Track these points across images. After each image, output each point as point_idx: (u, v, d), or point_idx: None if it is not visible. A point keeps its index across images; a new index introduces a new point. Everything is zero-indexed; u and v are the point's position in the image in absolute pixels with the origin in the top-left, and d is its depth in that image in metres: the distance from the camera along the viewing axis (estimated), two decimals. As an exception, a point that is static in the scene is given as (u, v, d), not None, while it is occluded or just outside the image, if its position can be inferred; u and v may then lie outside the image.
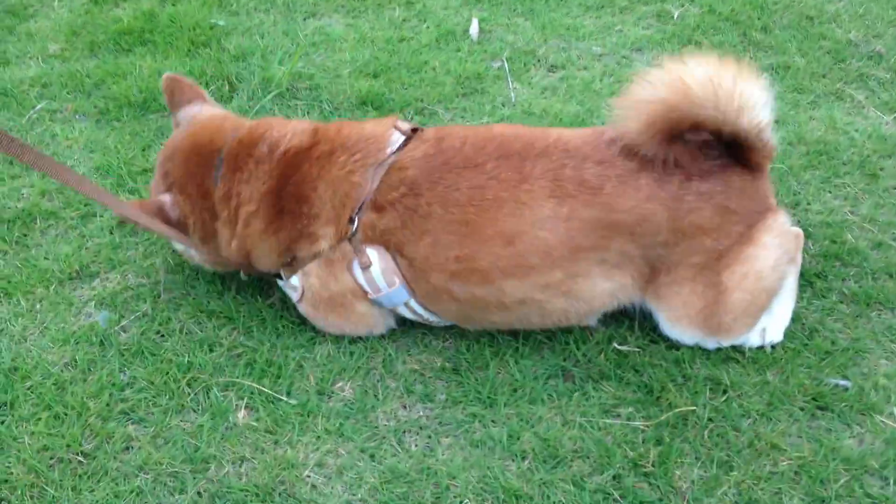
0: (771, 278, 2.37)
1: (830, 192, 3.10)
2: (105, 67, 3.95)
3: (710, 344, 2.48)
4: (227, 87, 3.75)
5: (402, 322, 2.63)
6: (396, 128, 2.44)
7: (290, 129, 2.48)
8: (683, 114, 2.17)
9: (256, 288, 2.78)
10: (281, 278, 2.58)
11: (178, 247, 2.72)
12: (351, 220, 2.35)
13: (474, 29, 4.15)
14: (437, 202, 2.30)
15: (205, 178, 2.50)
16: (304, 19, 4.34)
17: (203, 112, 2.71)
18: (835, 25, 4.08)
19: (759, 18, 4.14)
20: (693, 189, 2.27)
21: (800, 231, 2.55)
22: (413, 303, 2.46)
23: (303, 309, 2.58)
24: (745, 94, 2.14)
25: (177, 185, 2.54)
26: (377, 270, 2.38)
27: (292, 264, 2.49)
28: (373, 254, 2.37)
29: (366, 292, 2.44)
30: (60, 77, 3.91)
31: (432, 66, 3.88)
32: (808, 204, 3.03)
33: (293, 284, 2.52)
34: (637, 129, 2.23)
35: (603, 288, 2.37)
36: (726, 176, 2.29)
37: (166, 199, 2.54)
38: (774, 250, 2.34)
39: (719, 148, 2.31)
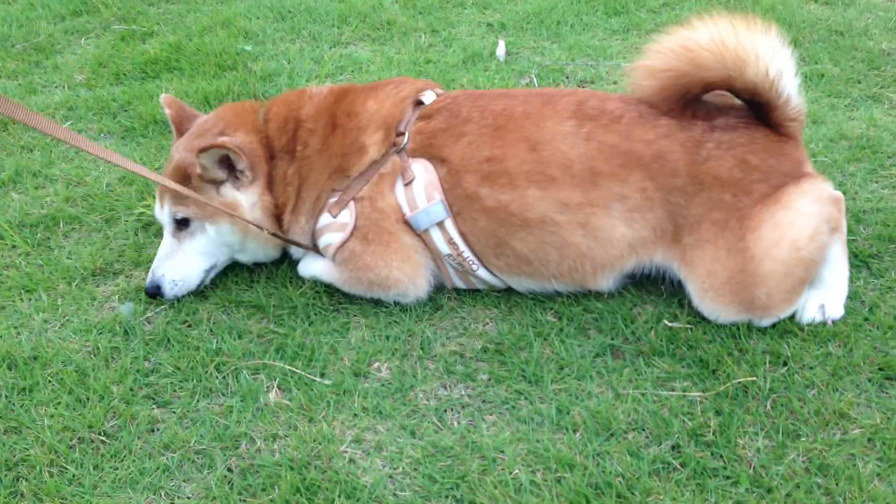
0: (809, 248, 2.23)
1: (877, 181, 2.99)
2: (131, 92, 3.95)
3: (753, 322, 2.33)
4: (254, 104, 3.72)
5: (435, 307, 2.51)
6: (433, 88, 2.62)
7: (329, 85, 2.71)
8: (693, 78, 2.23)
9: (287, 276, 2.68)
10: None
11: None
12: (400, 133, 2.45)
13: (501, 50, 4.14)
14: (476, 111, 2.44)
15: (253, 119, 2.63)
16: (331, 47, 4.35)
17: None
18: (866, 38, 4.05)
19: (787, 33, 4.09)
20: (715, 138, 2.26)
21: (840, 194, 2.40)
22: (448, 223, 2.41)
23: (345, 254, 2.49)
24: (747, 47, 2.16)
25: (230, 126, 2.60)
26: (420, 184, 2.40)
27: (343, 195, 2.47)
28: (417, 167, 2.42)
29: (404, 214, 2.44)
30: (86, 101, 3.91)
31: (460, 83, 3.85)
32: (856, 193, 2.93)
33: (342, 222, 2.46)
34: (652, 93, 2.32)
35: (622, 234, 2.32)
36: (751, 132, 2.28)
37: (238, 139, 2.56)
38: (812, 218, 2.22)
39: (747, 110, 2.32)
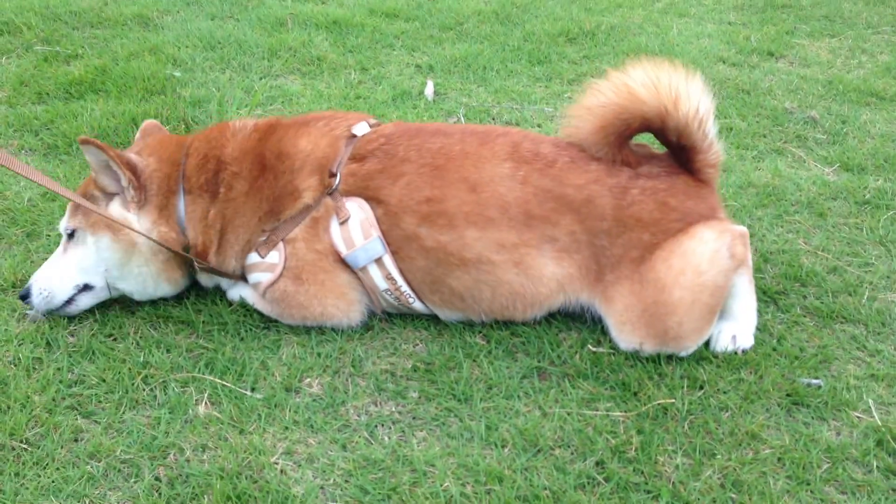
0: (710, 272, 2.34)
1: (783, 226, 3.19)
2: (54, 111, 3.89)
3: (667, 352, 2.44)
4: (183, 128, 3.72)
5: (366, 327, 2.55)
6: (366, 120, 2.62)
7: (251, 120, 2.66)
8: (631, 112, 2.35)
9: (216, 295, 2.67)
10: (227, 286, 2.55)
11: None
12: (332, 174, 2.44)
13: (430, 90, 4.26)
14: (413, 150, 2.46)
15: (174, 151, 2.56)
16: (261, 78, 4.39)
17: None
18: (770, 97, 4.33)
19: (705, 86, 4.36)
20: (639, 184, 2.41)
21: (745, 229, 2.53)
22: (386, 259, 2.44)
23: (276, 294, 2.49)
24: (680, 86, 2.34)
25: (147, 150, 2.57)
26: (356, 222, 2.41)
27: (272, 236, 2.46)
28: (352, 206, 2.42)
29: (340, 253, 2.44)
30: (6, 118, 3.84)
31: (390, 118, 3.93)
32: (764, 235, 3.12)
33: (270, 262, 2.45)
34: (590, 132, 2.42)
35: (552, 272, 2.41)
36: (672, 178, 2.44)
37: (135, 156, 2.54)
38: (712, 244, 2.35)
39: (668, 159, 2.48)
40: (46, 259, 2.77)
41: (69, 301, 2.52)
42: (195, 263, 2.53)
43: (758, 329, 2.60)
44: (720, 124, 3.90)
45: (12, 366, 2.36)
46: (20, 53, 4.64)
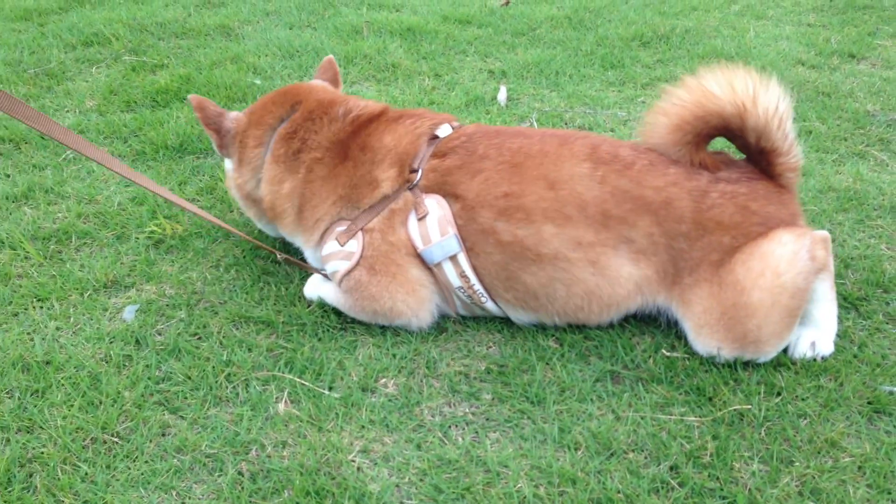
0: (789, 273, 2.30)
1: (864, 231, 3.12)
2: (142, 119, 4.04)
3: (746, 358, 2.41)
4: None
5: (440, 329, 2.59)
6: (449, 122, 2.70)
7: (365, 103, 2.75)
8: (708, 110, 2.35)
9: (296, 295, 2.75)
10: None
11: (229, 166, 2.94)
12: (414, 170, 2.52)
13: (502, 95, 4.29)
14: (493, 149, 2.52)
15: (275, 114, 2.77)
16: (337, 85, 4.48)
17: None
18: (851, 99, 4.23)
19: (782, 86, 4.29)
20: (719, 188, 2.39)
21: (826, 234, 2.49)
22: (461, 257, 2.48)
23: (351, 283, 2.56)
24: (756, 85, 2.33)
25: (248, 110, 2.83)
26: (433, 219, 2.48)
27: (352, 225, 2.54)
28: (431, 202, 2.49)
29: (417, 248, 2.51)
30: (97, 126, 4.00)
31: (463, 123, 3.97)
32: (845, 241, 3.05)
33: (349, 251, 2.52)
34: (667, 131, 2.43)
35: (629, 273, 2.41)
36: (752, 183, 2.42)
37: (232, 113, 2.87)
38: (791, 245, 2.32)
39: (747, 165, 2.48)
40: (138, 261, 2.90)
41: None
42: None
43: (838, 335, 2.55)
44: (799, 128, 3.85)
45: (104, 363, 2.47)
46: (109, 63, 4.83)
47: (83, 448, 2.16)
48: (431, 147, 2.58)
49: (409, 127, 2.63)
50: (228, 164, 2.90)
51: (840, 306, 2.69)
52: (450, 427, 2.26)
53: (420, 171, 2.53)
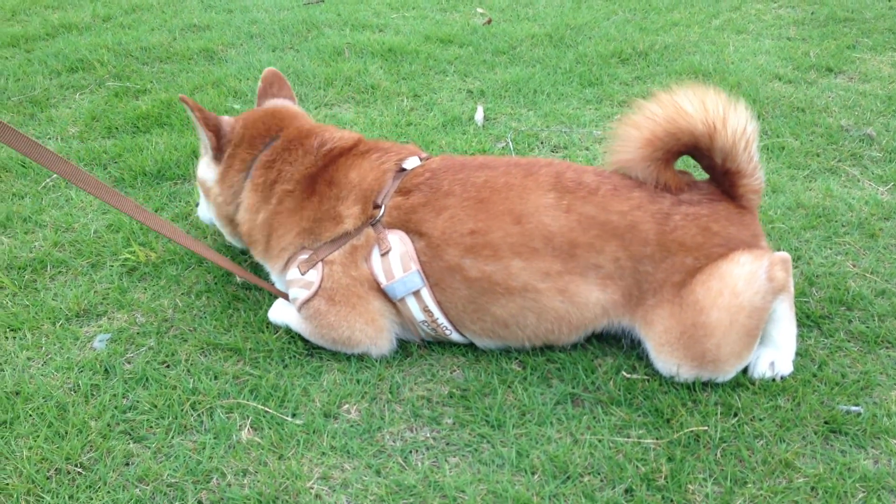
0: (746, 293, 2.34)
1: (831, 248, 3.15)
2: (122, 145, 4.09)
3: (705, 377, 2.44)
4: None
5: (405, 353, 2.63)
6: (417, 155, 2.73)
7: (340, 135, 2.80)
8: (679, 126, 2.38)
9: (264, 321, 2.78)
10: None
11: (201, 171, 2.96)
12: (377, 206, 2.55)
13: (479, 115, 4.33)
14: (458, 184, 2.54)
15: (261, 137, 2.80)
16: (316, 108, 4.53)
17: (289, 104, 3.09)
18: (826, 114, 4.26)
19: (752, 108, 4.31)
20: (682, 210, 2.43)
21: (786, 255, 2.52)
22: (424, 292, 2.49)
23: (310, 311, 2.59)
24: (727, 106, 2.38)
25: (241, 122, 2.83)
26: (396, 255, 2.50)
27: (313, 255, 2.58)
28: (393, 238, 2.51)
29: (380, 283, 2.52)
30: (78, 153, 4.05)
31: (439, 144, 4.02)
32: (811, 258, 3.08)
33: (308, 280, 2.55)
34: (635, 149, 2.46)
35: (597, 298, 2.44)
36: (714, 204, 2.46)
37: (224, 117, 2.88)
38: (748, 266, 2.35)
39: (710, 186, 2.51)
40: (111, 289, 2.94)
41: None
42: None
43: (799, 354, 2.58)
44: (772, 143, 3.89)
45: (72, 392, 2.51)
46: (93, 89, 4.89)
47: (47, 479, 2.19)
48: (397, 181, 2.60)
49: (374, 162, 2.66)
50: (210, 172, 2.88)
51: (802, 324, 2.72)
52: (410, 452, 2.29)
53: (383, 208, 2.55)
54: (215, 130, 2.81)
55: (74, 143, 4.18)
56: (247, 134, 2.81)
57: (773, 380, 2.48)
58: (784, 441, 2.28)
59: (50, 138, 4.27)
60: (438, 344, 2.69)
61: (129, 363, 2.64)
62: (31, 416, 2.40)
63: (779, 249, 3.08)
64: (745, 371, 2.50)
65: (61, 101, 4.74)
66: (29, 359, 2.66)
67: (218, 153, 2.83)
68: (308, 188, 2.66)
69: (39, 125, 4.43)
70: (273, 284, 2.84)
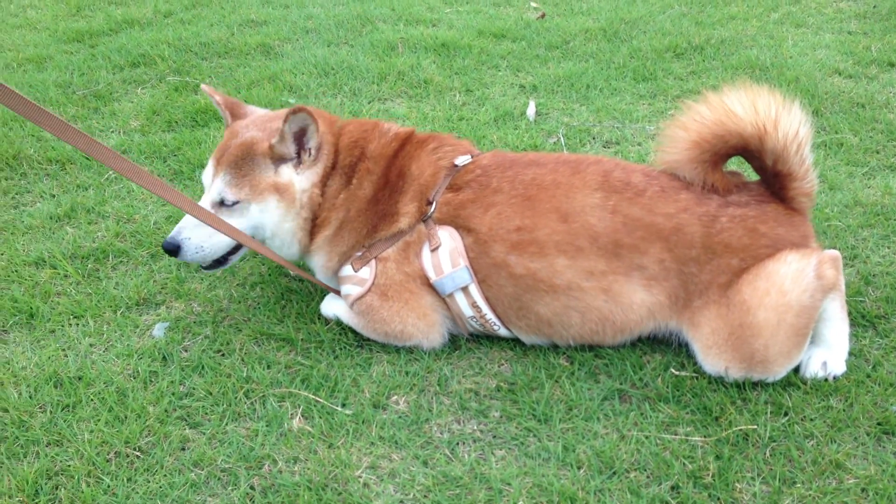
0: (794, 292, 2.31)
1: (889, 247, 3.09)
2: (181, 138, 4.19)
3: (755, 378, 2.42)
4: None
5: (454, 346, 2.66)
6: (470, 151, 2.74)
7: (396, 125, 2.84)
8: (728, 129, 2.37)
9: (316, 313, 2.84)
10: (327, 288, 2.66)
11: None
12: (429, 202, 2.58)
13: (531, 110, 4.34)
14: (506, 181, 2.55)
15: (332, 121, 2.77)
16: (369, 102, 4.58)
17: None
18: (886, 110, 4.17)
19: (809, 104, 4.25)
20: (728, 212, 2.41)
21: (836, 253, 2.47)
22: (472, 288, 2.53)
23: (362, 307, 2.63)
24: (779, 108, 2.35)
25: (315, 114, 2.64)
26: (445, 251, 2.53)
27: (367, 252, 2.62)
28: (443, 234, 2.55)
29: (429, 278, 2.55)
30: (139, 146, 4.16)
31: (490, 139, 4.04)
32: (867, 257, 3.03)
33: (361, 277, 2.60)
34: (685, 148, 2.45)
35: (642, 299, 2.44)
36: (762, 206, 2.44)
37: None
38: (795, 264, 2.33)
39: (760, 187, 2.49)
40: (169, 279, 3.02)
41: (221, 260, 2.73)
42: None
43: (853, 355, 2.55)
44: (831, 140, 3.83)
45: (132, 378, 2.59)
46: (154, 84, 5.01)
47: (107, 462, 2.27)
48: (449, 178, 2.62)
49: (432, 156, 2.68)
50: (305, 177, 2.68)
51: (857, 324, 2.68)
52: (457, 444, 2.32)
53: (434, 204, 2.58)
54: (322, 135, 2.68)
55: (136, 137, 4.29)
56: (330, 129, 2.74)
57: (826, 380, 2.45)
58: (835, 441, 2.26)
59: (113, 132, 4.39)
60: (486, 338, 2.71)
61: (185, 351, 2.72)
62: (92, 400, 2.49)
63: (835, 248, 3.04)
64: (796, 370, 2.47)
65: (123, 96, 4.87)
66: (91, 345, 2.75)
67: (318, 157, 2.70)
68: (384, 173, 2.66)
69: (103, 118, 4.55)
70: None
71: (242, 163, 2.61)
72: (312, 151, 2.66)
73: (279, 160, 2.64)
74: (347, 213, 2.68)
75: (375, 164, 2.68)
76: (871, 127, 4.01)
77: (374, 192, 2.66)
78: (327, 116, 2.80)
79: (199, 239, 2.63)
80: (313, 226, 2.73)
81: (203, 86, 2.89)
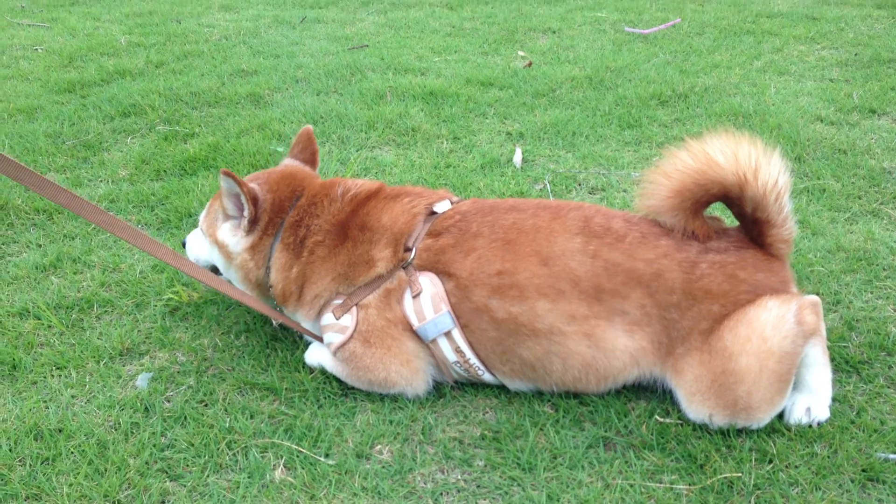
0: (775, 338, 2.32)
1: (871, 292, 3.11)
2: (169, 187, 4.21)
3: (739, 425, 2.42)
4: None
5: (438, 394, 2.65)
6: (448, 198, 2.77)
7: (362, 182, 2.84)
8: (709, 178, 2.39)
9: (301, 361, 2.83)
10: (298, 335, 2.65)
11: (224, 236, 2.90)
12: (408, 249, 2.59)
13: (518, 157, 4.38)
14: (486, 226, 2.57)
15: (287, 199, 2.82)
16: (357, 150, 4.62)
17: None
18: (868, 156, 4.22)
19: (792, 150, 4.30)
20: (708, 258, 2.43)
21: (816, 298, 2.50)
22: (455, 333, 2.52)
23: (346, 354, 2.63)
24: (759, 157, 2.37)
25: (266, 185, 2.83)
26: (427, 296, 2.53)
27: (348, 300, 2.62)
28: (424, 280, 2.55)
29: (411, 324, 2.55)
30: (127, 195, 4.17)
31: (477, 186, 4.07)
32: (850, 302, 3.04)
33: (343, 325, 2.59)
34: (666, 196, 2.46)
35: (625, 344, 2.44)
36: (741, 252, 2.46)
37: (251, 184, 2.81)
38: (776, 310, 2.33)
39: (739, 233, 2.51)
40: (154, 328, 3.02)
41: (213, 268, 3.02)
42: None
43: (836, 400, 2.54)
44: (813, 185, 3.86)
45: (113, 430, 2.57)
46: (144, 133, 5.05)
47: (86, 515, 2.25)
48: (428, 224, 2.64)
49: (406, 206, 2.70)
50: (236, 239, 2.83)
51: (841, 370, 2.69)
52: (441, 494, 2.30)
53: (414, 251, 2.59)
54: (255, 202, 2.76)
55: (124, 186, 4.31)
56: (276, 199, 2.80)
57: (810, 426, 2.45)
58: (820, 489, 2.24)
59: (101, 181, 4.41)
60: (471, 385, 2.70)
61: (168, 401, 2.70)
62: (72, 453, 2.47)
63: (818, 293, 3.06)
64: (780, 417, 2.47)
65: (113, 145, 4.90)
66: (73, 396, 2.73)
67: (254, 224, 2.80)
68: (339, 235, 2.70)
69: (92, 168, 4.58)
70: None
71: (212, 204, 2.95)
72: (245, 220, 2.79)
73: (227, 216, 2.85)
74: (305, 279, 2.74)
75: (325, 234, 2.71)
76: (853, 173, 4.06)
77: (330, 251, 2.69)
78: (284, 187, 2.83)
79: (194, 249, 3.07)
80: (276, 294, 2.83)
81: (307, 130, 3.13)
